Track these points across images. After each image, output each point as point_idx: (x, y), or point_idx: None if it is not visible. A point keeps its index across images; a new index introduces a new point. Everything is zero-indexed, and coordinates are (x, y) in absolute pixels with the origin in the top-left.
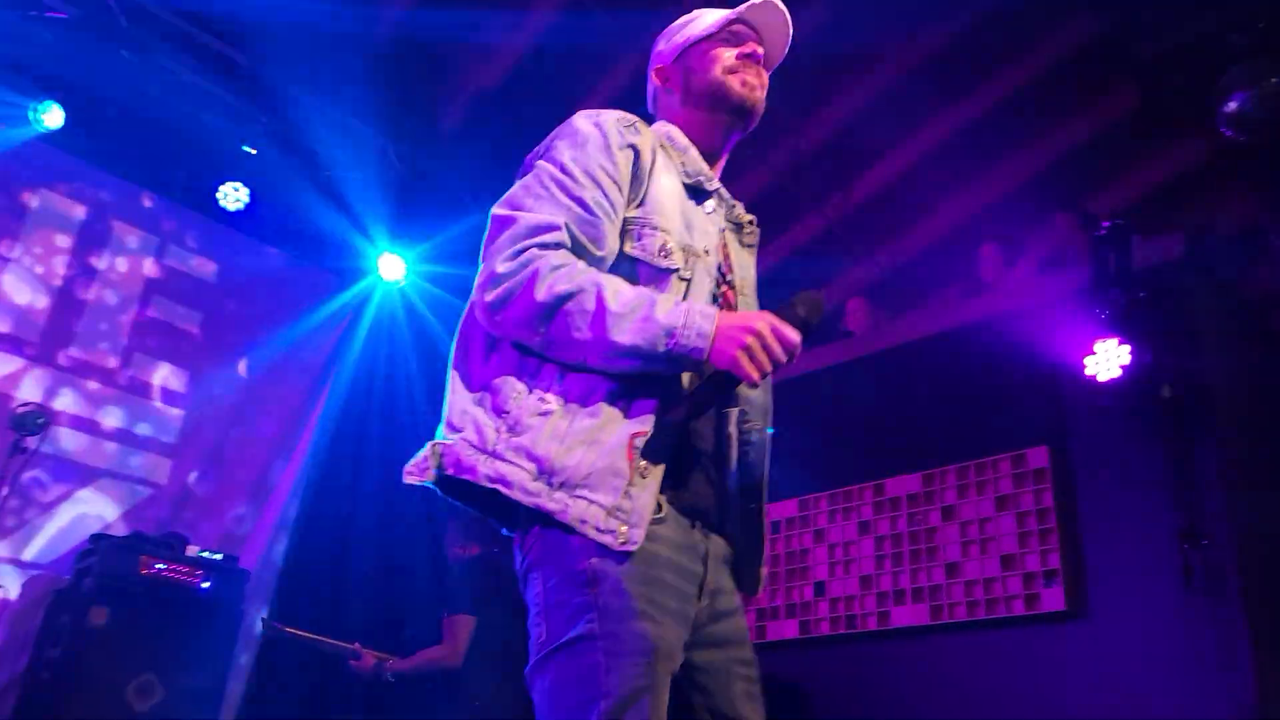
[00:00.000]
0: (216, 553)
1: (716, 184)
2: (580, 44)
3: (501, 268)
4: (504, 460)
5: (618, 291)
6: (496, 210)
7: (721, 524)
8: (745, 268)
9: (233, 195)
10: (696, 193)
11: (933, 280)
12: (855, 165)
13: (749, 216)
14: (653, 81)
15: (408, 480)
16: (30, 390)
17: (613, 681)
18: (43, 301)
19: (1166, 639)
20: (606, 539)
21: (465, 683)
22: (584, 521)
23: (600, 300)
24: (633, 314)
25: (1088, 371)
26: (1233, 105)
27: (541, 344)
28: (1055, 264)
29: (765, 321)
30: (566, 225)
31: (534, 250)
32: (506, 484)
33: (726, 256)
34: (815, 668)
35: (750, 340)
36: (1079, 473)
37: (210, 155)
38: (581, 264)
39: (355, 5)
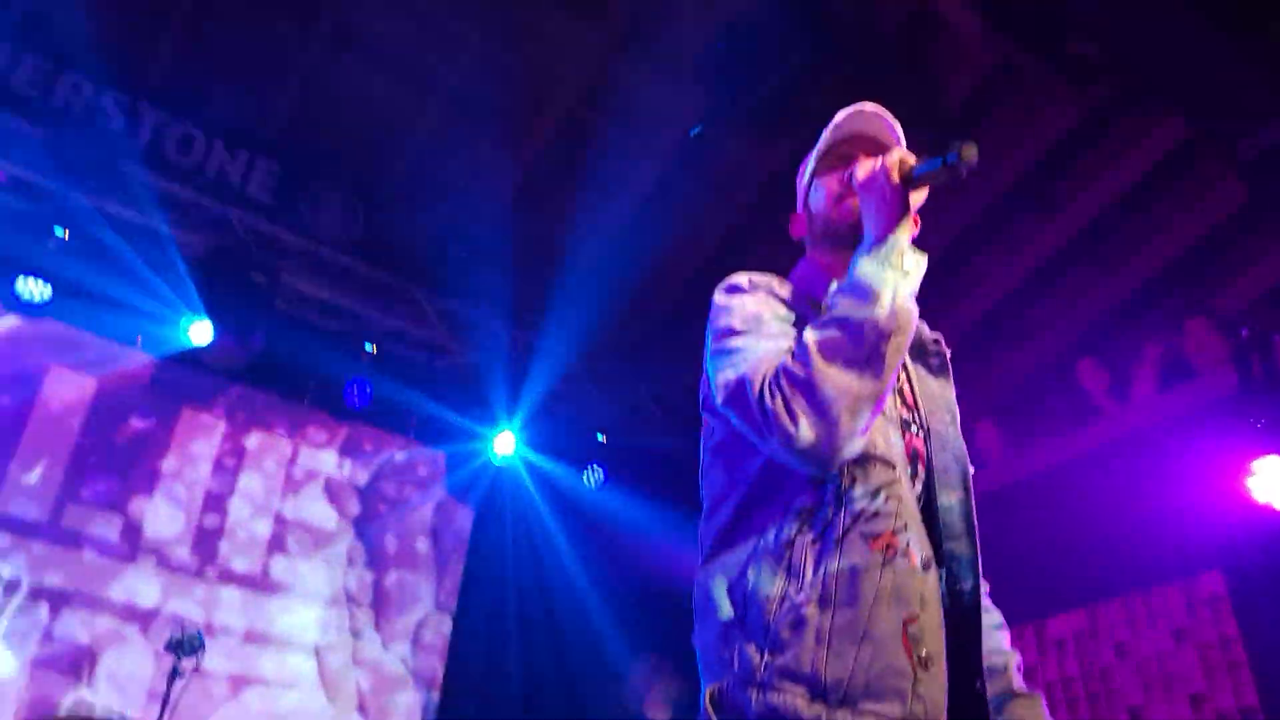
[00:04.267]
0: None
1: None
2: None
3: (767, 400)
4: (772, 689)
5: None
6: (717, 397)
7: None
8: (932, 397)
9: (357, 393)
10: None
11: (1050, 403)
12: (955, 292)
13: (933, 336)
14: (794, 239)
15: None
16: (183, 607)
17: None
18: (188, 518)
19: None
20: None
21: None
22: None
23: (836, 322)
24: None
25: (1254, 490)
26: None
27: (786, 403)
28: (1184, 375)
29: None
30: (761, 365)
31: (787, 368)
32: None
33: (899, 394)
34: None
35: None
36: (1262, 599)
37: (334, 357)
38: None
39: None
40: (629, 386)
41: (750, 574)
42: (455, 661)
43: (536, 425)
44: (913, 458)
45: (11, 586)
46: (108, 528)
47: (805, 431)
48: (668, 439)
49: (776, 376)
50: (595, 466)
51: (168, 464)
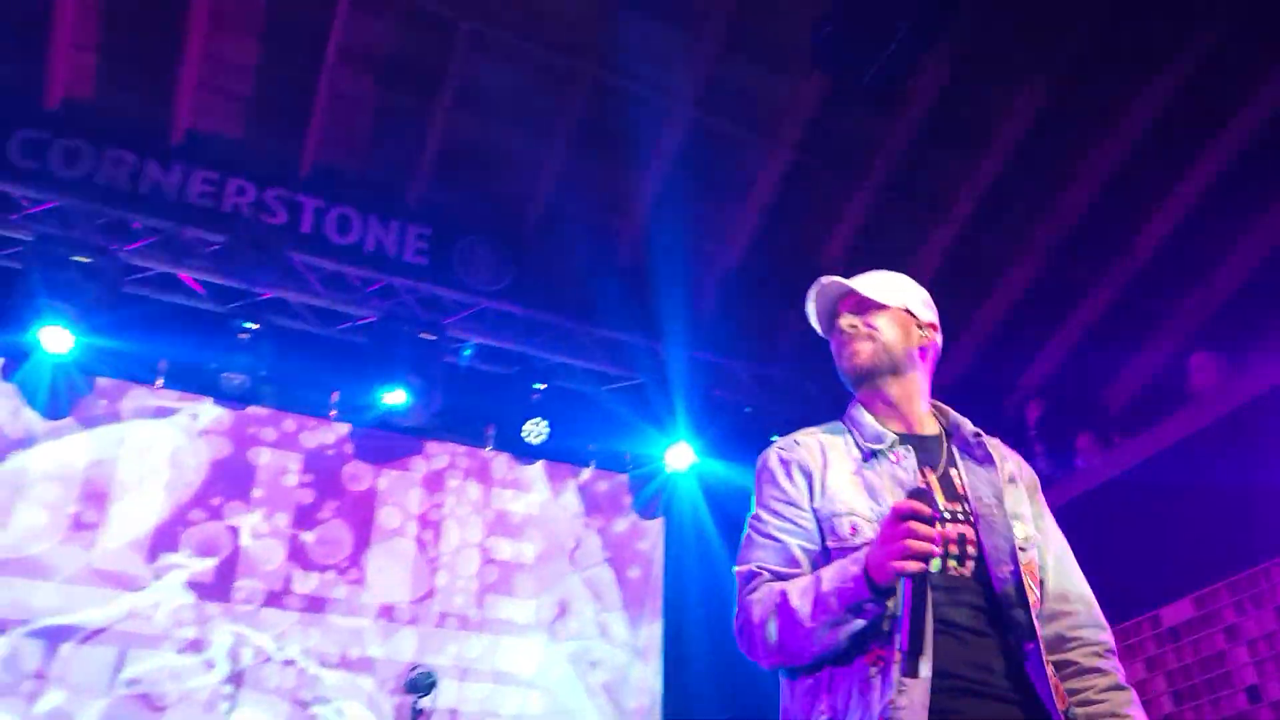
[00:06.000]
0: None
1: (891, 438)
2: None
3: (736, 625)
4: None
5: (798, 589)
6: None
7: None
8: (979, 486)
9: (534, 431)
10: (876, 456)
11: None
12: (1136, 219)
13: (973, 432)
14: None
15: None
16: (414, 654)
17: None
18: (407, 571)
19: None
20: None
21: None
22: None
23: (786, 604)
24: (809, 598)
25: None
26: None
27: (790, 661)
28: None
29: (885, 522)
30: (761, 566)
31: (745, 600)
32: None
33: (950, 488)
34: None
35: (890, 547)
36: None
37: (508, 400)
38: (776, 584)
39: None
40: (795, 386)
41: (798, 692)
42: (673, 673)
43: (709, 434)
44: (960, 542)
45: (258, 654)
46: (337, 589)
47: (750, 655)
48: None
49: (749, 613)
50: None
51: (379, 523)
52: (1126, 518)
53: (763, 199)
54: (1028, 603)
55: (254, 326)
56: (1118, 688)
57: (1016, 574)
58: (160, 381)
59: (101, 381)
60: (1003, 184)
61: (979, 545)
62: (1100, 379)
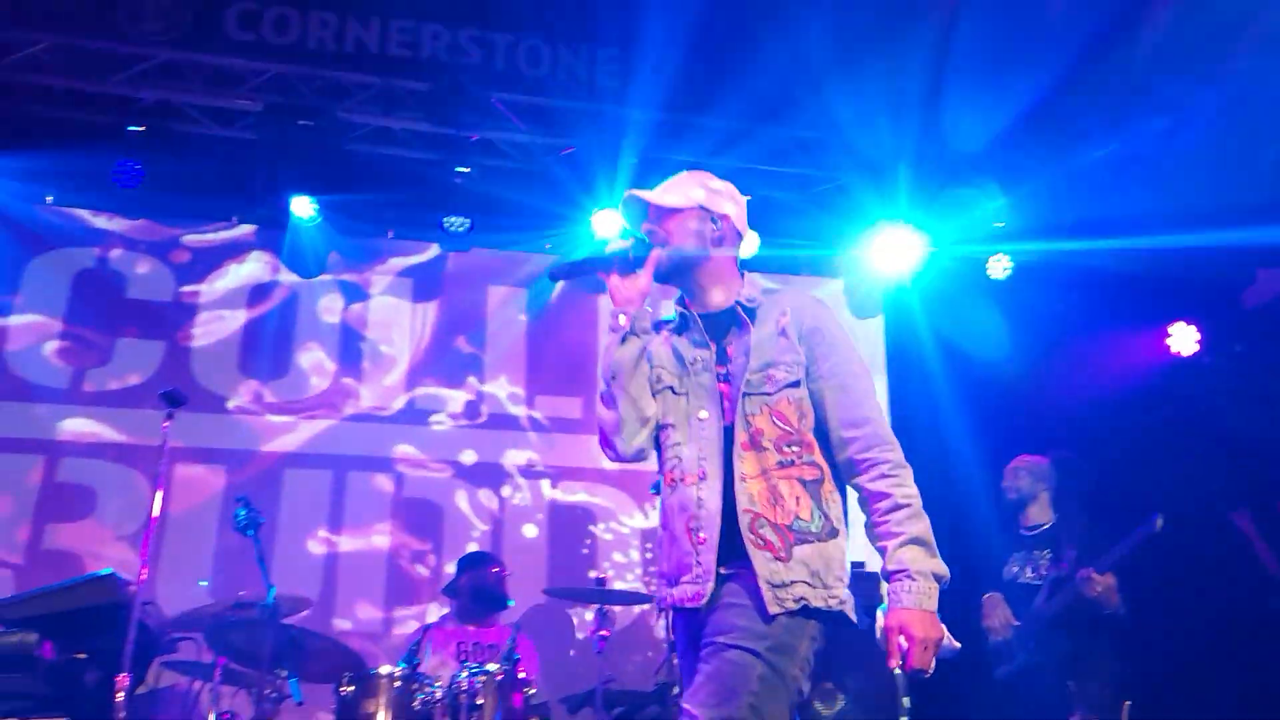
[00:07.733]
0: None
1: (688, 315)
2: None
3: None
4: (657, 582)
5: None
6: None
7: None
8: (738, 349)
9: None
10: (680, 331)
11: None
12: None
13: (744, 301)
14: None
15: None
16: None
17: None
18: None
19: None
20: (692, 603)
21: None
22: (680, 600)
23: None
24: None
25: None
26: None
27: (609, 414)
28: None
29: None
30: None
31: None
32: (660, 601)
33: (723, 354)
34: None
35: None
36: None
37: None
38: None
39: None
40: (1017, 164)
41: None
42: None
43: (929, 227)
44: (720, 396)
45: (515, 474)
46: (571, 409)
47: (607, 452)
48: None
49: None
50: (999, 256)
51: (600, 348)
52: None
53: None
54: (746, 440)
55: (465, 170)
56: (897, 507)
57: (744, 415)
58: (391, 233)
59: (341, 237)
60: None
61: (733, 395)
62: None
